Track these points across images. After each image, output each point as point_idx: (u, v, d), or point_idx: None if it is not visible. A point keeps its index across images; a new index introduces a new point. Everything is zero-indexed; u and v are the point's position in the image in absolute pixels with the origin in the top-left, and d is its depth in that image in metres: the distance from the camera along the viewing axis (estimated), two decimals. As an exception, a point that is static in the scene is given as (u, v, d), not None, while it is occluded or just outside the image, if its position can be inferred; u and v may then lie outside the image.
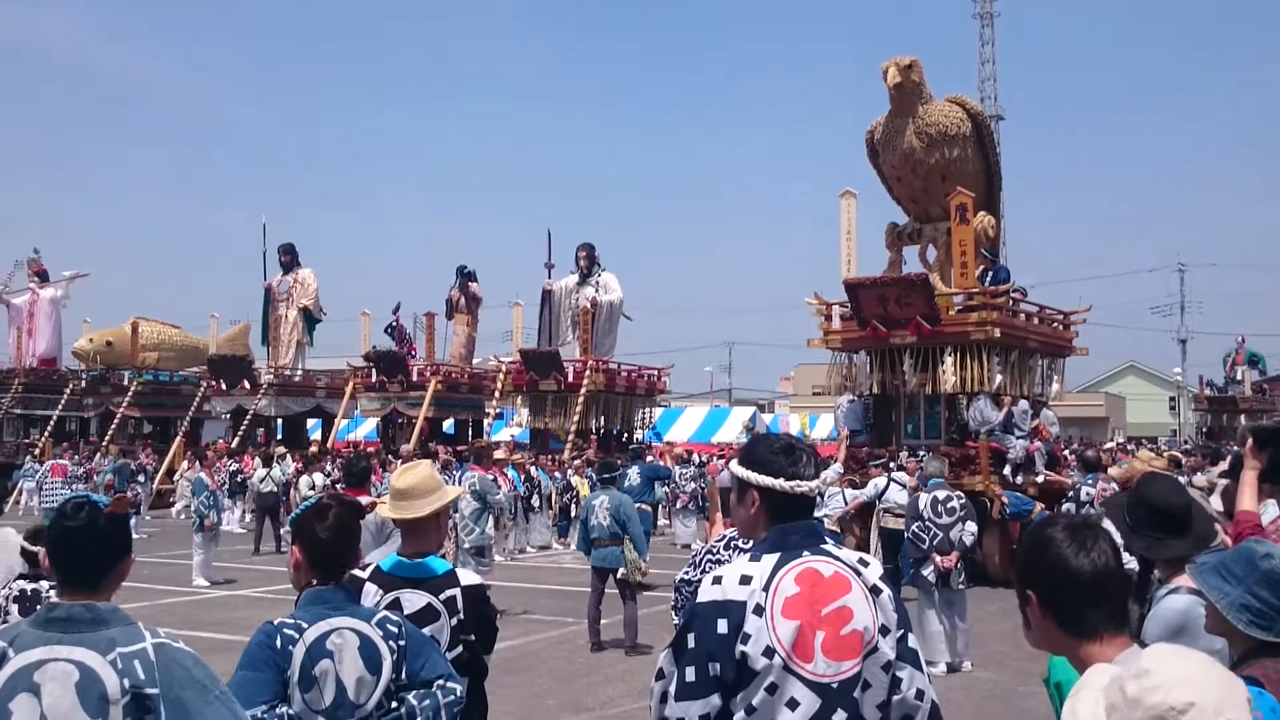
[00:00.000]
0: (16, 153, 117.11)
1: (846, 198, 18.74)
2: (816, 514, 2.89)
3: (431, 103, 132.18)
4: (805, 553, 2.71)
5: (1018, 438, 16.34)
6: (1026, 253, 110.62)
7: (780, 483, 2.77)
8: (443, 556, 4.01)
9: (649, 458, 20.59)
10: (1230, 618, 2.19)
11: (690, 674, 2.60)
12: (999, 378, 16.48)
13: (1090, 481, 10.82)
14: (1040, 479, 16.70)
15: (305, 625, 3.09)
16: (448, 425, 32.75)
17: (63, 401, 33.71)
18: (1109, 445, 32.57)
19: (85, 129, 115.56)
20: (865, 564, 2.76)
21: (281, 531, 19.37)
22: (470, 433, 31.60)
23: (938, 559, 9.92)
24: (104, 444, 29.23)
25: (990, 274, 17.06)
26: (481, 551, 12.30)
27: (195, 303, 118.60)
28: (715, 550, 5.15)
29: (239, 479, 23.73)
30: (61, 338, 36.20)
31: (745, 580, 2.67)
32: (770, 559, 2.69)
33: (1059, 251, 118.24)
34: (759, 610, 2.61)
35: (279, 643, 3.05)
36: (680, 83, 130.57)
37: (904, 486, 13.44)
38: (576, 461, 23.27)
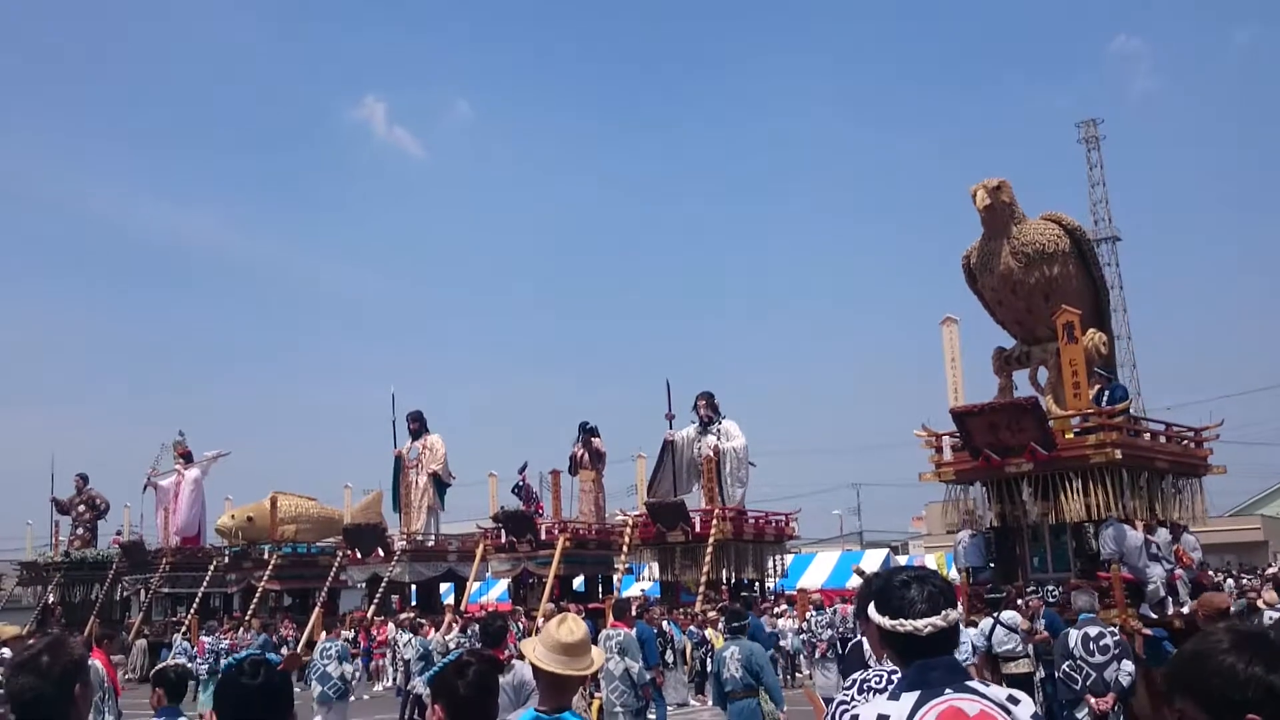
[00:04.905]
0: (162, 342, 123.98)
1: (948, 324, 18.37)
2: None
3: (538, 266, 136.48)
4: (948, 690, 2.53)
5: (1164, 567, 15.52)
6: (1163, 373, 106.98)
7: (885, 620, 2.65)
8: (582, 713, 4.00)
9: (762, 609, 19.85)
10: None
11: None
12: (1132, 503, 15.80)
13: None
14: (1186, 609, 15.90)
15: None
16: (578, 583, 32.79)
17: (207, 578, 34.91)
18: (1272, 570, 30.83)
19: (221, 317, 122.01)
20: (1016, 701, 2.57)
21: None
22: (600, 589, 31.56)
23: (1092, 701, 9.46)
24: (246, 618, 30.04)
25: (1107, 393, 16.50)
26: (639, 713, 12.39)
27: (329, 474, 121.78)
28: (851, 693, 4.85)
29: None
30: (205, 515, 37.70)
31: None
32: (909, 698, 2.54)
33: (1197, 370, 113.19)
34: None
35: None
36: (777, 229, 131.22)
37: (1012, 629, 12.83)
38: (710, 614, 22.93)
